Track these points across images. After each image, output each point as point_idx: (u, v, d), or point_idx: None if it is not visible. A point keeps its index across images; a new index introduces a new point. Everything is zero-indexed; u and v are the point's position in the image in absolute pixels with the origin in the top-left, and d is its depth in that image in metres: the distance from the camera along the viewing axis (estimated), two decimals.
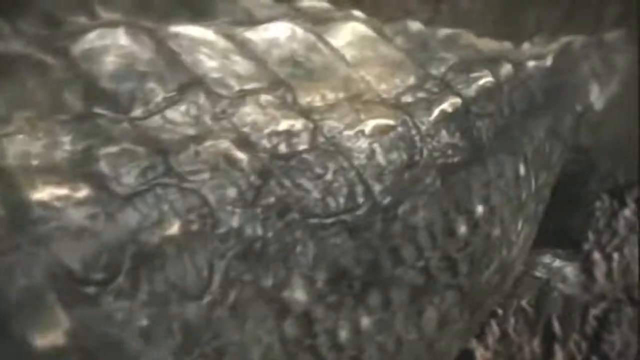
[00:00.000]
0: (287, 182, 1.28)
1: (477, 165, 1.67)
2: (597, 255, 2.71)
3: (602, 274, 2.64)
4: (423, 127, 1.58)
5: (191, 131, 1.24)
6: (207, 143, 1.23)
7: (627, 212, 2.90)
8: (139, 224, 1.10)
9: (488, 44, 2.17)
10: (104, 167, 1.12)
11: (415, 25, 1.89)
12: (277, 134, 1.34)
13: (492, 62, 1.93)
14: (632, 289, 2.57)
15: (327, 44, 1.63)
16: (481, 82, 1.82)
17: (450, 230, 1.56)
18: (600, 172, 2.56)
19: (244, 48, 1.48)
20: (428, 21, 3.45)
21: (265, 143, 1.31)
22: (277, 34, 1.56)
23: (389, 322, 1.41)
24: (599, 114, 2.77)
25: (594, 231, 2.77)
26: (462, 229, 1.59)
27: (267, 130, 1.33)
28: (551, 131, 2.07)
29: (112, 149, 1.14)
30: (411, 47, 1.82)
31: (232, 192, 1.21)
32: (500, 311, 2.39)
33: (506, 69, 1.94)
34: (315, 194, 1.32)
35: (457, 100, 1.70)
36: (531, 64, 2.13)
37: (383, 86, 1.62)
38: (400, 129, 1.53)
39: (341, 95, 1.52)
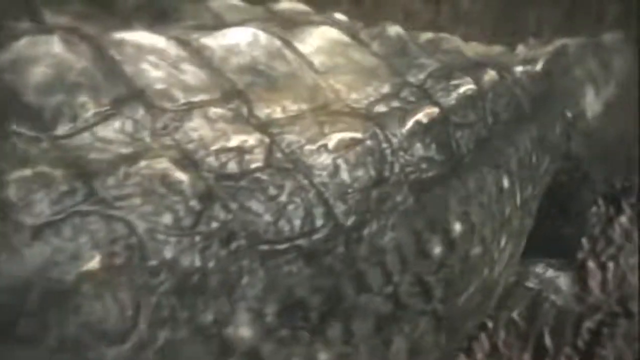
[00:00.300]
0: (233, 205, 1.12)
1: (455, 179, 1.50)
2: (591, 264, 2.56)
3: (596, 284, 2.50)
4: (395, 140, 1.41)
5: (124, 150, 1.08)
6: (142, 163, 1.07)
7: (624, 218, 2.75)
8: (49, 259, 0.93)
9: (475, 48, 2.00)
10: (12, 194, 0.95)
11: (394, 30, 1.71)
12: (227, 150, 1.17)
13: (475, 68, 1.76)
14: (627, 300, 2.40)
15: (294, 50, 1.47)
16: (462, 89, 1.65)
17: (424, 251, 1.39)
18: (593, 180, 2.38)
19: (199, 56, 1.31)
20: (429, 22, 3.39)
21: (211, 161, 1.14)
22: (238, 39, 1.39)
23: (350, 356, 1.24)
24: (596, 117, 2.61)
25: (589, 239, 2.62)
26: (437, 250, 1.42)
27: (214, 147, 1.16)
28: (539, 140, 1.89)
29: (25, 172, 0.98)
30: (388, 52, 1.65)
31: (166, 219, 1.05)
32: (490, 324, 2.25)
33: (490, 75, 1.76)
34: (267, 218, 1.15)
35: (435, 110, 1.53)
36: (519, 69, 1.95)
37: (354, 95, 1.45)
38: (369, 142, 1.36)
39: (305, 106, 1.35)
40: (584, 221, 2.45)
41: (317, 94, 1.40)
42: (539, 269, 2.45)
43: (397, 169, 1.39)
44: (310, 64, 1.46)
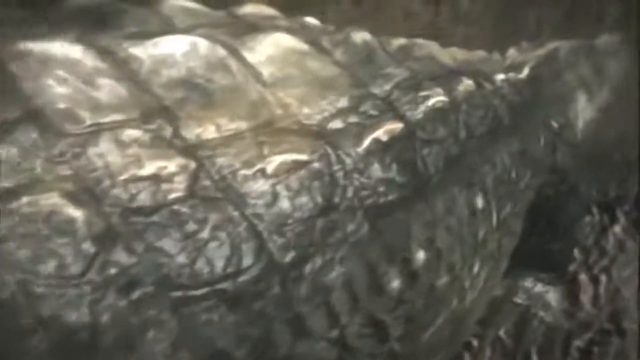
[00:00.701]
0: (140, 246, 0.90)
1: (419, 202, 1.29)
2: (583, 277, 2.35)
3: (588, 299, 2.28)
4: (349, 160, 1.20)
5: (5, 184, 0.86)
6: (24, 199, 0.86)
7: (618, 228, 2.53)
8: None
9: (455, 54, 1.78)
10: None
11: (360, 36, 1.49)
12: (139, 179, 0.96)
13: (449, 76, 1.54)
14: (619, 316, 2.18)
15: (240, 59, 1.25)
16: (431, 101, 1.44)
17: (379, 286, 1.18)
18: (582, 192, 2.15)
19: (122, 68, 1.10)
20: (429, 23, 3.23)
21: (118, 193, 0.93)
22: (173, 49, 1.18)
23: None
24: (588, 123, 2.39)
25: (581, 250, 2.41)
26: (395, 284, 1.20)
27: (123, 176, 0.95)
28: (520, 154, 1.67)
29: None
30: (352, 61, 1.43)
31: (48, 267, 0.83)
32: (475, 342, 2.04)
33: (465, 84, 1.55)
34: (182, 259, 0.94)
35: (398, 125, 1.31)
36: (500, 77, 1.72)
37: (305, 110, 1.24)
38: (317, 164, 1.15)
39: (245, 124, 1.14)
40: (573, 235, 2.21)
41: (262, 110, 1.19)
42: (527, 283, 2.25)
43: (350, 193, 1.18)
44: (257, 76, 1.25)
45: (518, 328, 2.15)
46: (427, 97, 1.44)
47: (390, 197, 1.25)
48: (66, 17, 1.30)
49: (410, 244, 1.27)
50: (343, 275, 1.13)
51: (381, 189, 1.24)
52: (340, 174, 1.19)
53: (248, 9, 1.64)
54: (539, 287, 2.25)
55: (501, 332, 2.11)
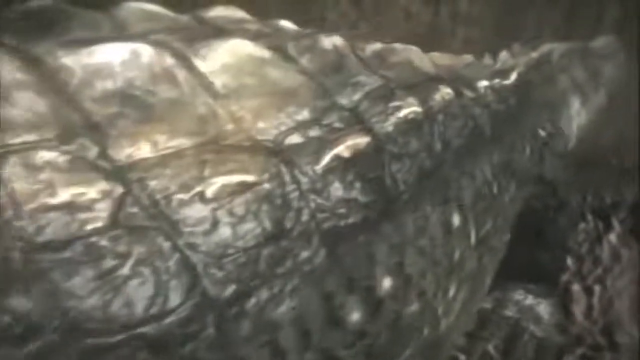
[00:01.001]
0: (43, 287, 0.75)
1: (386, 224, 1.13)
2: (576, 288, 2.19)
3: (580, 311, 2.12)
4: (305, 180, 1.04)
5: None
6: None
7: (612, 236, 2.37)
8: None
9: (438, 60, 1.62)
10: None
11: (330, 41, 1.33)
12: (50, 209, 0.81)
13: (426, 85, 1.38)
14: (613, 330, 2.02)
15: (190, 68, 1.09)
16: (403, 112, 1.27)
17: (336, 319, 1.02)
18: (572, 203, 2.00)
19: (50, 80, 0.95)
20: (429, 24, 3.13)
21: (22, 226, 0.78)
22: (111, 58, 1.03)
23: None
24: (583, 127, 2.23)
25: (575, 259, 2.25)
26: (356, 316, 1.04)
27: (31, 205, 0.79)
28: (503, 166, 1.50)
29: None
30: (320, 68, 1.28)
31: None
32: (462, 357, 1.90)
33: (443, 93, 1.38)
34: (94, 300, 0.79)
35: (363, 140, 1.15)
36: (483, 84, 1.56)
37: (260, 124, 1.09)
38: (266, 185, 1.00)
39: (188, 141, 0.99)
40: (564, 245, 2.05)
41: (209, 125, 1.04)
42: (517, 295, 2.08)
43: (305, 216, 1.03)
44: (208, 86, 1.10)
45: (508, 343, 2.00)
46: (398, 108, 1.29)
47: (351, 220, 1.09)
48: (8, 23, 1.15)
49: (375, 270, 1.11)
50: (293, 310, 0.98)
51: (342, 210, 1.09)
52: (294, 195, 1.04)
53: (216, 12, 1.48)
54: (530, 300, 2.10)
55: (490, 348, 1.96)
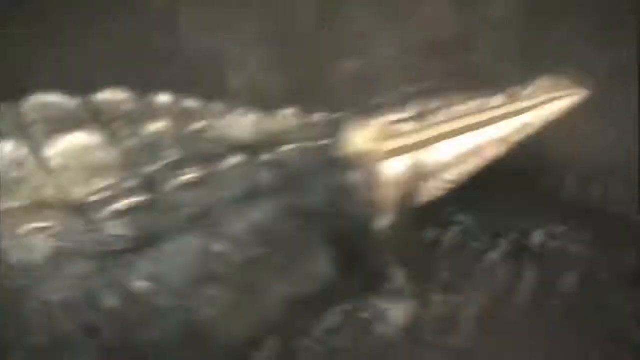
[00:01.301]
0: None
1: (148, 248, 1.86)
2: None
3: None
4: (84, 225, 1.82)
5: None
6: None
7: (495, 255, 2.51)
8: None
9: (265, 126, 2.09)
10: None
11: (155, 126, 1.97)
12: None
13: (217, 157, 1.99)
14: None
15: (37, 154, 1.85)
16: (185, 177, 1.94)
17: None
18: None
19: None
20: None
21: None
22: None
23: None
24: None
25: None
26: (111, 301, 1.83)
27: None
28: (289, 209, 2.05)
29: None
30: (140, 147, 1.95)
31: None
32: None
33: (230, 162, 1.99)
34: None
35: (142, 198, 1.87)
36: (289, 147, 2.05)
37: (75, 190, 1.83)
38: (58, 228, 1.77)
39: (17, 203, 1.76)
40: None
41: (38, 191, 1.83)
42: (371, 299, 2.28)
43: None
44: (45, 166, 1.86)
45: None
46: (182, 174, 1.95)
47: (118, 247, 1.84)
48: None
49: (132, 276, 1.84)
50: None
51: (111, 240, 1.83)
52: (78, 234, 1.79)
53: (104, 96, 2.03)
54: (383, 303, 2.28)
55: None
